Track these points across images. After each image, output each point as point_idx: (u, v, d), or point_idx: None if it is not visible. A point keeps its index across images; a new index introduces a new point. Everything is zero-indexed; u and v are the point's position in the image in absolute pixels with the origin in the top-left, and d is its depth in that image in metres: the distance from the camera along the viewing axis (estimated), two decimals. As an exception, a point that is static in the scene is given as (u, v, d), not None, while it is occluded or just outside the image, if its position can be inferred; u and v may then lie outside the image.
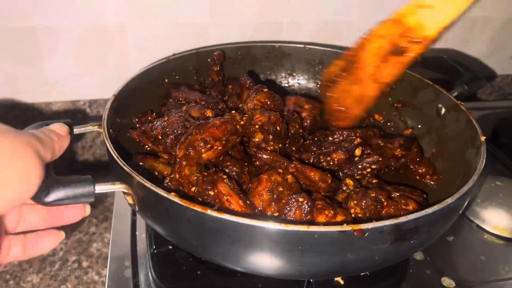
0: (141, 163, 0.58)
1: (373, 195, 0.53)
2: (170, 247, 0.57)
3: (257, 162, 0.57)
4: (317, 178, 0.55)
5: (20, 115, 0.82)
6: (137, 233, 0.61)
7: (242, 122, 0.56)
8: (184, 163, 0.51)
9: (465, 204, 0.51)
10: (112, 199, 0.80)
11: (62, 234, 0.45)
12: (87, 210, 0.46)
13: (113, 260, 0.57)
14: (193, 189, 0.52)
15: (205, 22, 0.83)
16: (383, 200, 0.53)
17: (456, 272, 0.58)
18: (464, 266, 0.60)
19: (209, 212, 0.40)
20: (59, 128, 0.43)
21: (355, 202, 0.53)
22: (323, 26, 0.91)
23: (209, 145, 0.53)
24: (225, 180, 0.51)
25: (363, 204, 0.52)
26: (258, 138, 0.58)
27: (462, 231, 0.65)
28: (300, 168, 0.55)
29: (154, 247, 0.57)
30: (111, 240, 0.61)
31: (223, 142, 0.54)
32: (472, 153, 0.56)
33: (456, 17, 0.54)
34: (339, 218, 0.49)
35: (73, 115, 0.85)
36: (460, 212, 0.51)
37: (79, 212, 0.45)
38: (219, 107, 0.66)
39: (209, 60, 0.77)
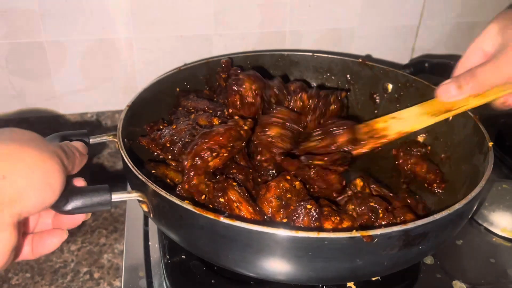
0: (153, 171, 0.59)
1: (372, 203, 0.54)
2: (183, 256, 0.58)
3: (284, 166, 0.58)
4: (335, 181, 0.56)
5: (28, 129, 0.83)
6: (150, 243, 0.62)
7: (245, 127, 0.57)
8: (192, 173, 0.52)
9: (473, 209, 0.52)
10: (121, 210, 0.81)
11: (66, 233, 0.46)
12: (66, 233, 0.47)
13: (127, 270, 0.57)
14: (203, 197, 0.53)
15: (209, 34, 0.85)
16: (380, 211, 0.53)
17: (466, 275, 0.59)
18: (474, 269, 0.60)
19: (222, 219, 0.41)
20: (80, 145, 0.46)
21: (352, 206, 0.54)
22: (325, 34, 0.92)
23: (215, 153, 0.54)
24: (235, 187, 0.51)
25: (358, 210, 0.53)
26: (274, 132, 0.61)
27: (471, 234, 0.66)
28: (321, 173, 0.56)
29: (168, 256, 0.58)
30: (124, 250, 0.61)
31: (229, 148, 0.55)
32: (480, 158, 0.57)
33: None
34: (345, 224, 0.50)
35: (81, 127, 0.86)
36: (468, 217, 0.52)
37: (57, 240, 0.46)
38: (225, 114, 0.68)
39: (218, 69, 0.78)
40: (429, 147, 0.70)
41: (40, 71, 0.79)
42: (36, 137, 0.39)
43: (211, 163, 0.54)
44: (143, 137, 0.65)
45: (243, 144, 0.57)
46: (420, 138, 0.72)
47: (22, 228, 0.42)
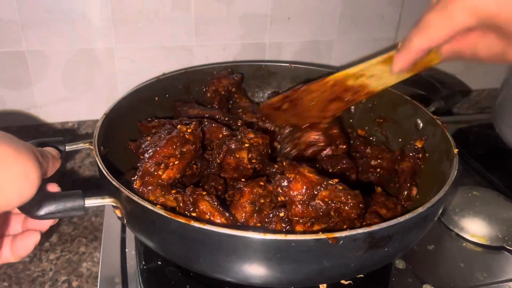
0: (133, 178, 0.60)
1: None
2: (159, 262, 0.59)
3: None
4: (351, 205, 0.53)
5: (9, 138, 0.84)
6: (126, 250, 0.62)
7: (189, 130, 0.57)
8: (146, 191, 0.53)
9: (438, 213, 0.53)
10: (101, 218, 0.81)
11: (39, 234, 0.47)
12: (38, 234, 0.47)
13: (104, 277, 0.58)
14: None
15: (190, 45, 0.86)
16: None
17: (437, 279, 0.60)
18: (445, 274, 0.62)
19: (192, 223, 0.42)
20: (52, 150, 0.47)
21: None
22: (304, 46, 0.94)
23: (163, 165, 0.54)
24: (205, 198, 0.51)
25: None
26: (243, 155, 0.60)
27: (442, 239, 0.68)
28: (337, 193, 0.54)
29: (143, 263, 0.59)
30: (101, 257, 0.62)
31: (178, 156, 0.55)
32: (447, 165, 0.59)
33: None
34: (316, 227, 0.51)
35: (62, 136, 0.86)
36: (434, 221, 0.53)
37: (33, 241, 0.46)
38: (238, 123, 0.71)
39: (228, 82, 0.80)
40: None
41: (21, 80, 0.80)
42: (7, 135, 0.39)
43: (164, 176, 0.54)
44: (132, 141, 0.65)
45: (193, 147, 0.57)
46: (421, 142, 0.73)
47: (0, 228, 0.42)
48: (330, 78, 0.64)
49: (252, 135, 0.61)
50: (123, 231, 0.67)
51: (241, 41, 0.89)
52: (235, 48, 0.90)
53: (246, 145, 0.60)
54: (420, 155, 0.68)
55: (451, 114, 1.15)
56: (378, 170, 0.71)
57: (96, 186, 0.92)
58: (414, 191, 0.65)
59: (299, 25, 0.92)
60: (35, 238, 0.45)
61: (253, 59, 0.92)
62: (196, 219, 0.44)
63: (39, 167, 0.39)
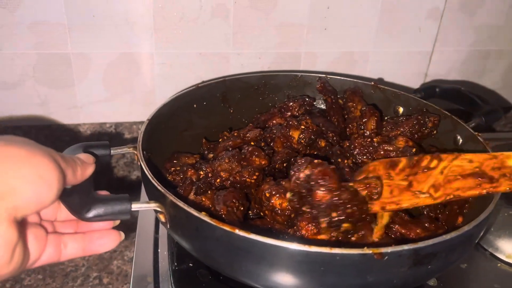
0: (175, 161, 0.64)
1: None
2: (191, 264, 0.59)
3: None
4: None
5: (49, 135, 0.87)
6: (159, 250, 0.64)
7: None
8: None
9: (482, 232, 0.52)
10: (132, 218, 0.82)
11: (121, 235, 0.48)
12: (122, 235, 0.49)
13: (136, 276, 0.59)
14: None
15: (227, 52, 0.88)
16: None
17: (469, 299, 0.59)
18: (478, 294, 0.60)
19: (237, 231, 0.42)
20: (84, 156, 0.46)
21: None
22: (340, 57, 0.94)
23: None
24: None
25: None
26: (294, 135, 0.67)
27: (476, 259, 0.66)
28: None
29: (175, 264, 0.60)
30: (134, 256, 0.63)
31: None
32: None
33: None
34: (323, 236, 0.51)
35: (100, 136, 0.89)
36: (477, 240, 0.52)
37: (113, 240, 0.48)
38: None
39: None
40: None
41: (64, 81, 0.83)
42: (23, 139, 0.39)
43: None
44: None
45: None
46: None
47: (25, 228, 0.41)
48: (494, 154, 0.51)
49: (309, 121, 0.68)
50: (156, 231, 0.68)
51: (277, 50, 0.90)
52: (270, 56, 0.91)
53: (302, 127, 0.66)
54: None
55: (492, 130, 1.12)
56: None
57: (128, 187, 0.95)
58: (460, 220, 0.60)
59: (335, 36, 0.92)
60: (116, 238, 0.48)
61: (287, 68, 0.93)
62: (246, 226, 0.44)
63: (56, 169, 0.38)
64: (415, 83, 1.01)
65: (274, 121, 0.76)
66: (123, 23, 0.80)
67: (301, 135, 0.67)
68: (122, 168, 0.94)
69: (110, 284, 0.72)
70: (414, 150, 0.62)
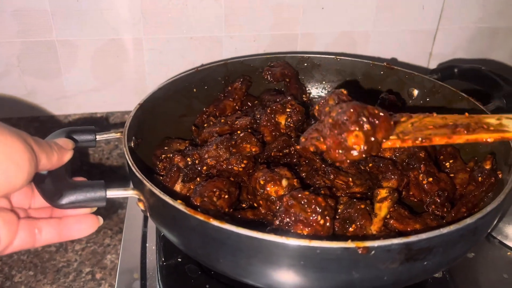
0: (166, 148, 0.61)
1: (362, 206, 0.51)
2: (179, 259, 0.57)
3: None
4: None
5: (39, 127, 0.85)
6: (147, 245, 0.61)
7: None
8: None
9: (491, 225, 0.48)
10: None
11: (100, 220, 0.46)
12: (100, 220, 0.47)
13: (123, 272, 0.57)
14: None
15: (220, 36, 0.84)
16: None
17: (477, 290, 0.56)
18: (486, 285, 0.57)
19: (211, 221, 0.40)
20: (63, 141, 0.45)
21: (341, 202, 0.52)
22: (339, 37, 0.90)
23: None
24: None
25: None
26: (281, 120, 0.64)
27: (484, 247, 0.63)
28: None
29: (163, 259, 0.57)
30: (121, 251, 0.61)
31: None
32: (505, 170, 0.53)
33: None
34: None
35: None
36: (485, 233, 0.48)
37: (90, 226, 0.46)
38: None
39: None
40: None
41: (51, 70, 0.80)
42: None
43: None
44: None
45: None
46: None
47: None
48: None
49: (294, 103, 0.65)
50: (145, 225, 0.66)
51: (272, 32, 0.86)
52: (266, 39, 0.87)
53: (288, 110, 0.64)
54: (493, 180, 0.55)
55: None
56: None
57: (122, 178, 0.93)
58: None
59: (333, 15, 0.87)
60: (94, 223, 0.45)
61: (284, 50, 0.89)
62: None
63: (27, 151, 0.37)
64: (420, 64, 0.97)
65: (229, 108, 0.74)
66: (109, 7, 0.77)
67: (289, 119, 0.64)
68: (115, 159, 0.92)
69: (103, 280, 0.70)
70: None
